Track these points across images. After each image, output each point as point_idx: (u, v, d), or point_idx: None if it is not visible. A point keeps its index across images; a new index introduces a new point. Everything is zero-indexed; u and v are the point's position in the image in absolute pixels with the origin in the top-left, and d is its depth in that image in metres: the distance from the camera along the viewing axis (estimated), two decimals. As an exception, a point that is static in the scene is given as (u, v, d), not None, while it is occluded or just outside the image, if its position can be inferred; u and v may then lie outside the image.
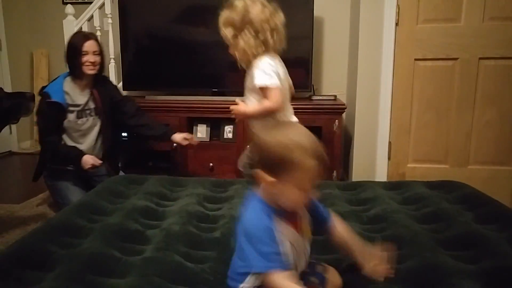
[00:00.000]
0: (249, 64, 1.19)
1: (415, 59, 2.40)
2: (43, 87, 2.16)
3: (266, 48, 1.17)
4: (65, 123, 2.15)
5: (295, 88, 2.59)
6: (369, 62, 2.43)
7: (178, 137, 2.21)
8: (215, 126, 2.57)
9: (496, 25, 2.29)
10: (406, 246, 1.16)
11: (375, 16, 2.38)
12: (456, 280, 0.95)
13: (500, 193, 2.32)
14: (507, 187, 2.41)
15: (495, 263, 1.03)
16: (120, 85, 2.67)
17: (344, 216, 1.27)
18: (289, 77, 1.36)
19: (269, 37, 1.16)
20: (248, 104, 1.18)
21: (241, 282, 0.87)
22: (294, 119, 1.31)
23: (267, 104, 1.14)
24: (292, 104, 2.42)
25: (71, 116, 2.16)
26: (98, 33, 2.65)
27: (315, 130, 2.34)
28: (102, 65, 2.23)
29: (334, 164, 2.40)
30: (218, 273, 1.04)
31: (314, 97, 2.55)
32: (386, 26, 2.38)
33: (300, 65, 2.58)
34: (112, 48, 2.77)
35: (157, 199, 1.56)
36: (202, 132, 2.58)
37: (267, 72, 1.14)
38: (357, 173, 2.52)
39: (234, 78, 2.65)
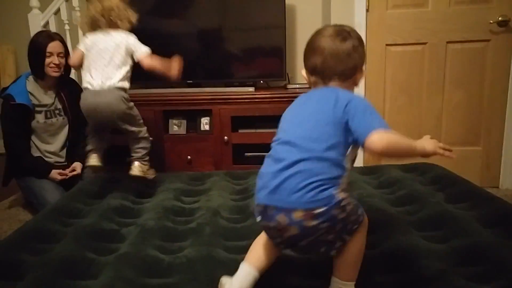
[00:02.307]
0: None
1: (386, 45, 2.43)
2: (4, 89, 2.06)
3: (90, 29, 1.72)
4: (33, 124, 2.06)
5: (269, 77, 2.64)
6: (342, 49, 2.45)
7: (53, 173, 2.07)
8: (191, 118, 2.53)
9: (462, 9, 2.33)
10: (381, 229, 1.18)
11: (346, 2, 2.38)
12: (427, 262, 0.98)
13: (470, 172, 2.41)
14: (477, 166, 2.50)
15: (464, 241, 1.07)
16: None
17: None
18: (115, 49, 1.74)
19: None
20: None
21: (337, 178, 0.88)
22: (88, 84, 1.60)
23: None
24: (267, 94, 2.47)
25: (39, 117, 2.07)
26: (66, 27, 2.54)
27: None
28: (67, 67, 2.12)
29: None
30: (194, 259, 1.03)
31: (289, 86, 2.55)
32: (357, 12, 2.39)
33: (274, 54, 2.57)
34: (82, 42, 2.67)
35: (133, 197, 1.54)
36: (178, 125, 2.55)
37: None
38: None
39: (208, 69, 2.62)
